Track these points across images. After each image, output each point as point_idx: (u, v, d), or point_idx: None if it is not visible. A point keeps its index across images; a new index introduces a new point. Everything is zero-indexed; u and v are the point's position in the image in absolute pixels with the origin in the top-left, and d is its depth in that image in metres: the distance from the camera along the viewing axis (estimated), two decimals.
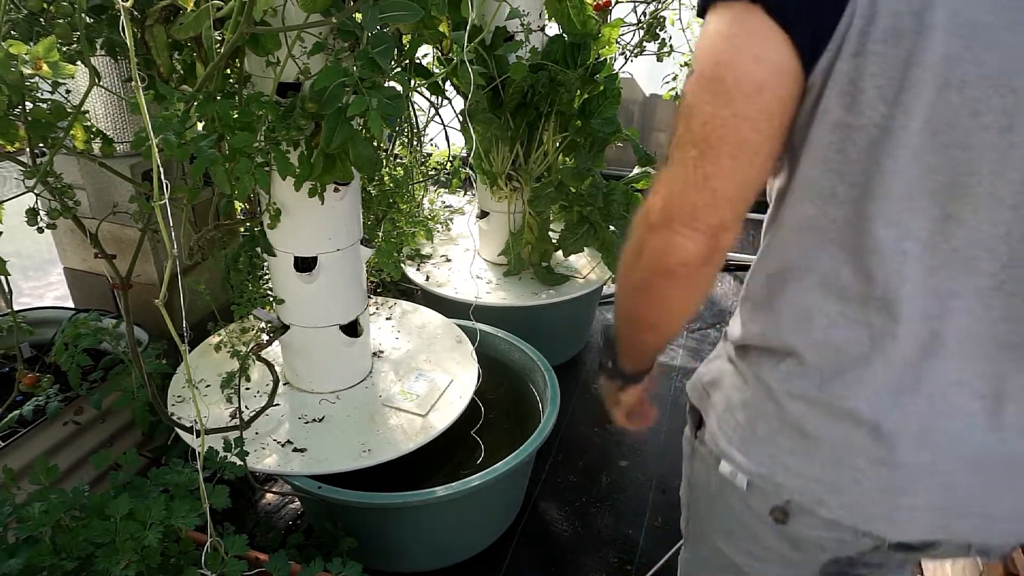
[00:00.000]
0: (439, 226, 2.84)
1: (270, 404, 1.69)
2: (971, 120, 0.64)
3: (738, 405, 0.83)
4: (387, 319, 2.17)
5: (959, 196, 0.68)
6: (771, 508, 0.81)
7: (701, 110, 0.68)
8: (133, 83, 0.93)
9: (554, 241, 2.42)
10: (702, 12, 0.72)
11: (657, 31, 2.69)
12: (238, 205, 1.75)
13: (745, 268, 3.29)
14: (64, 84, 1.27)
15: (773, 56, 0.66)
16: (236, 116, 1.23)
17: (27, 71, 1.11)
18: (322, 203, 1.49)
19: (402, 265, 2.51)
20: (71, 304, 2.25)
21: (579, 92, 2.22)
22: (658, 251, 0.73)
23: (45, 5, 1.27)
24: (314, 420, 1.74)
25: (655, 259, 0.73)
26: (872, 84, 0.65)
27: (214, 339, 1.94)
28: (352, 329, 1.79)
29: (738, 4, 0.66)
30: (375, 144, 1.44)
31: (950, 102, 0.64)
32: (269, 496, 2.02)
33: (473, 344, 2.01)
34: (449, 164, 2.79)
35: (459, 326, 2.11)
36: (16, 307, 1.70)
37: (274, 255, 1.66)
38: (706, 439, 0.88)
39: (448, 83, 2.19)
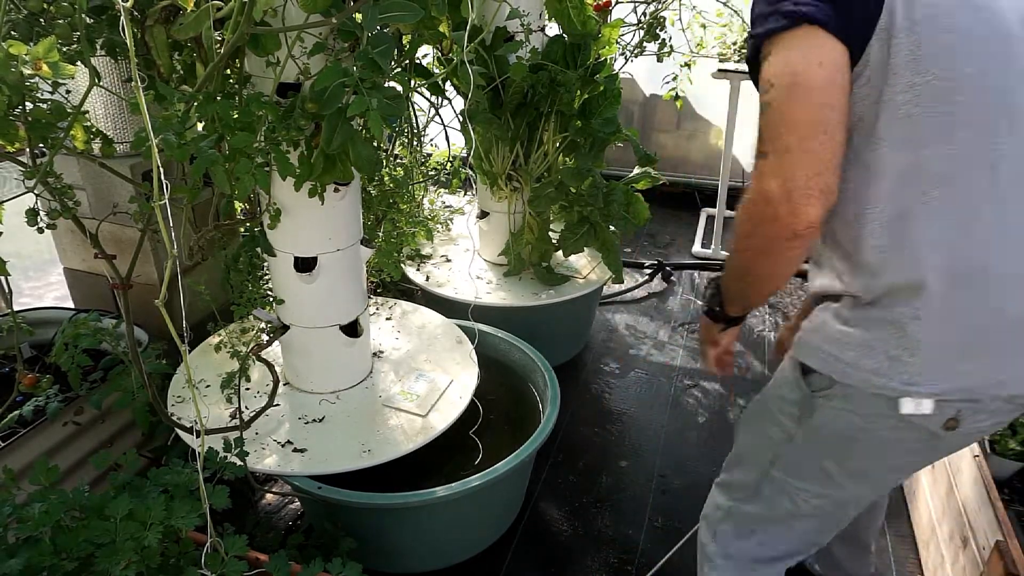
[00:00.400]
0: (439, 226, 2.84)
1: (270, 404, 1.69)
2: (1003, 64, 0.92)
3: (901, 351, 0.97)
4: (387, 319, 2.17)
5: (1017, 115, 0.92)
6: (946, 420, 0.99)
7: (791, 108, 0.91)
8: (133, 83, 0.93)
9: (554, 241, 2.42)
10: (756, 54, 0.95)
11: (657, 31, 2.68)
12: (238, 205, 1.75)
13: None
14: (64, 84, 1.27)
15: (830, 59, 0.91)
16: (236, 116, 1.23)
17: (27, 71, 1.11)
18: (322, 203, 1.49)
19: (402, 265, 2.51)
20: (71, 304, 2.25)
21: (579, 92, 2.22)
22: (787, 220, 0.92)
23: (45, 5, 1.27)
24: (314, 420, 1.74)
25: (784, 227, 0.92)
26: (926, 51, 0.90)
27: (214, 339, 1.94)
28: (352, 329, 1.79)
29: (800, 29, 0.90)
30: (375, 144, 1.44)
31: (986, 52, 0.91)
32: (269, 496, 2.02)
33: (472, 344, 2.01)
34: (449, 164, 2.79)
35: (459, 326, 2.11)
36: (16, 307, 1.70)
37: (274, 255, 1.66)
38: (856, 391, 1.02)
39: (448, 83, 2.18)
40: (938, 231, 0.94)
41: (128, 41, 0.93)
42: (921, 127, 0.93)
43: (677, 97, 3.39)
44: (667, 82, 3.35)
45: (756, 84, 0.98)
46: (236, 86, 1.39)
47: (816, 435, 1.10)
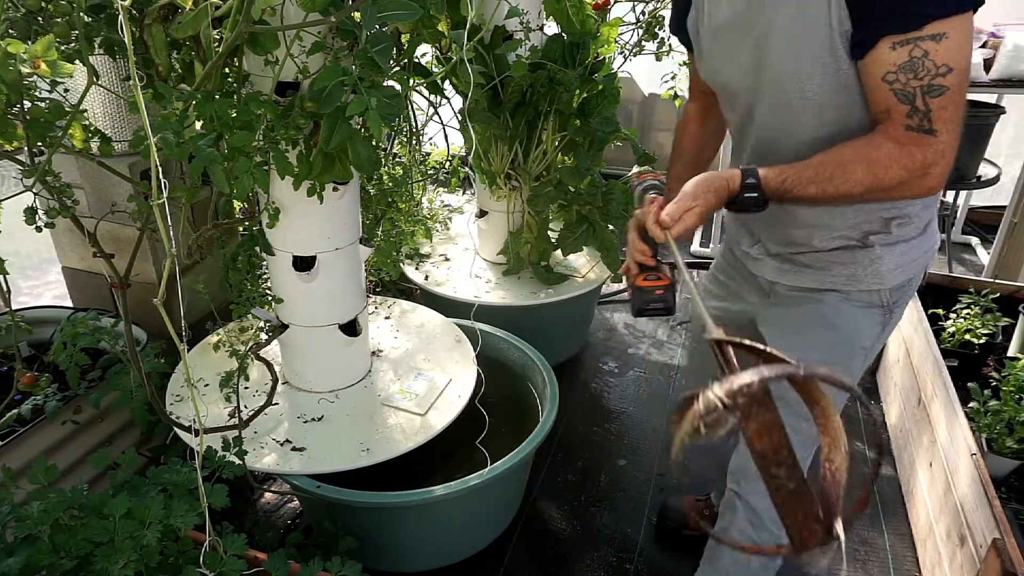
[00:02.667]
0: (438, 225, 2.84)
1: (269, 403, 1.69)
2: None
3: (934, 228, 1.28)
4: (386, 318, 2.17)
5: None
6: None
7: (962, 93, 0.99)
8: (132, 82, 0.93)
9: (553, 240, 2.42)
10: (923, 20, 0.95)
11: (656, 30, 2.68)
12: (237, 204, 1.75)
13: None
14: (62, 83, 1.27)
15: None
16: (235, 115, 1.23)
17: (25, 70, 1.11)
18: (321, 202, 1.49)
19: (401, 264, 2.51)
20: (70, 303, 2.25)
21: (578, 91, 2.22)
22: (932, 187, 1.04)
23: (44, 4, 1.27)
24: (313, 419, 1.74)
25: (924, 192, 1.04)
26: None
27: (213, 338, 1.94)
28: (351, 328, 1.79)
29: (971, 12, 0.96)
30: (374, 143, 1.44)
31: None
32: (268, 495, 2.02)
33: (469, 340, 2.01)
34: (448, 163, 2.79)
35: (458, 325, 2.11)
36: (15, 306, 1.70)
37: (273, 254, 1.66)
38: (920, 271, 1.27)
39: (447, 82, 2.18)
40: None
41: (127, 40, 0.93)
42: None
43: (676, 96, 3.39)
44: (666, 81, 3.35)
45: (862, 49, 1.01)
46: (235, 85, 1.39)
47: (892, 327, 1.29)
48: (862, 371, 1.34)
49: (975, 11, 0.98)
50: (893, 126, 1.02)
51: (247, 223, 1.71)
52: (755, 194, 1.07)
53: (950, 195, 3.43)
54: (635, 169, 1.58)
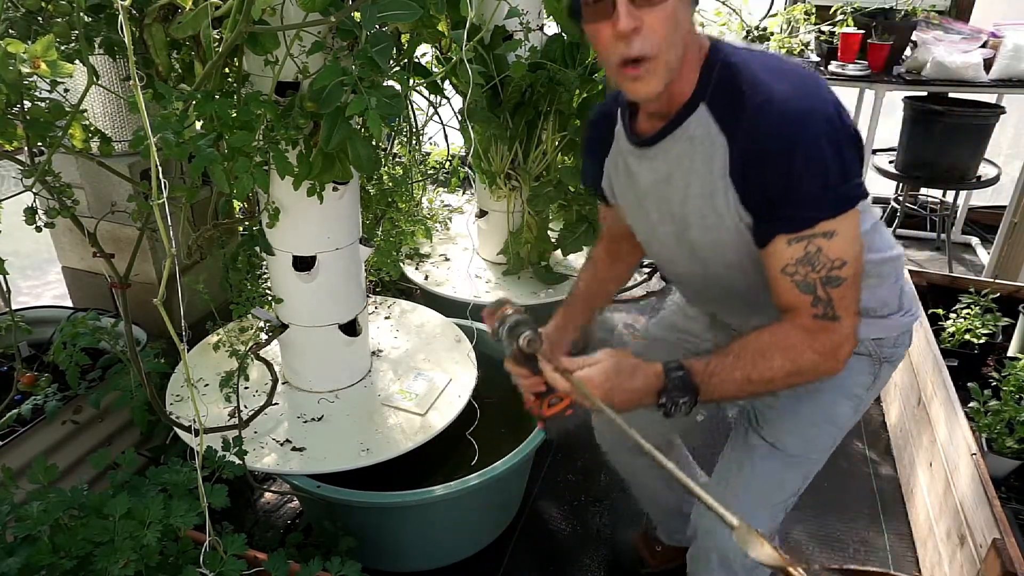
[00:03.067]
0: (438, 225, 2.84)
1: (269, 403, 1.70)
2: None
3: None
4: (386, 318, 2.17)
5: None
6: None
7: (858, 280, 1.05)
8: (132, 82, 0.93)
9: (553, 240, 2.42)
10: (813, 222, 1.00)
11: None
12: (237, 204, 1.75)
13: None
14: (62, 83, 1.27)
15: None
16: (235, 115, 1.23)
17: (25, 70, 1.11)
18: (321, 202, 1.49)
19: (401, 264, 2.51)
20: (70, 303, 2.25)
21: (578, 91, 2.22)
22: (842, 365, 1.07)
23: (43, 4, 1.27)
24: (313, 419, 1.74)
25: (837, 369, 1.07)
26: None
27: (213, 338, 1.94)
28: (351, 328, 1.79)
29: (856, 209, 1.02)
30: (374, 143, 1.44)
31: None
32: (268, 495, 2.02)
33: (471, 341, 2.01)
34: (448, 163, 2.79)
35: (457, 325, 2.11)
36: (14, 306, 1.70)
37: (273, 254, 1.66)
38: (910, 329, 1.30)
39: (447, 82, 2.18)
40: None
41: (127, 40, 0.93)
42: None
43: None
44: None
45: (761, 242, 1.05)
46: (235, 85, 1.39)
47: (882, 382, 1.31)
48: (851, 423, 1.33)
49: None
50: (800, 316, 1.05)
51: (247, 223, 1.71)
52: (680, 372, 1.07)
53: (950, 195, 3.44)
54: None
